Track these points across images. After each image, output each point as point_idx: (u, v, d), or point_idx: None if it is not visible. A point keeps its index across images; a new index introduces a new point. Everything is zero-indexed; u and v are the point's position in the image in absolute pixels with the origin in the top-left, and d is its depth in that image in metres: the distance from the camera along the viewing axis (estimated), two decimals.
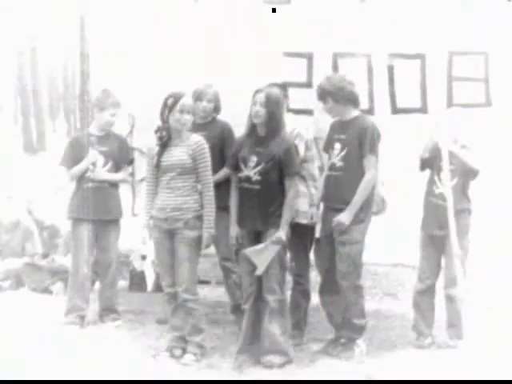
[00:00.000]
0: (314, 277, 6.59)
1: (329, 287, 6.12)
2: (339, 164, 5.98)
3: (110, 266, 6.97)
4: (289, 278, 6.30)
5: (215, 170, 6.10)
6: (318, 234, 6.26)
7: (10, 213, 9.08)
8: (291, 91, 6.61)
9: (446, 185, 5.86)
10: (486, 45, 6.65)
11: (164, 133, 5.80)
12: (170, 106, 5.74)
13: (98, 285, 7.27)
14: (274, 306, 5.78)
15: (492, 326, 6.31)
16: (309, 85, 6.91)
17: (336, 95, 5.98)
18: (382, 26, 6.71)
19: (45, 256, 8.77)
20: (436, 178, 6.22)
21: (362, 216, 5.94)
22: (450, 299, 6.14)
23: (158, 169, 5.83)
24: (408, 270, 7.26)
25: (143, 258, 8.13)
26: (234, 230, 5.91)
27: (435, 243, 6.24)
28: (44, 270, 8.35)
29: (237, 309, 6.58)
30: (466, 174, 6.15)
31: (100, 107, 6.85)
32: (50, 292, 8.10)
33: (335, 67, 6.91)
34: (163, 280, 6.00)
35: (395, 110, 6.94)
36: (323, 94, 6.04)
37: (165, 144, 5.82)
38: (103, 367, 5.68)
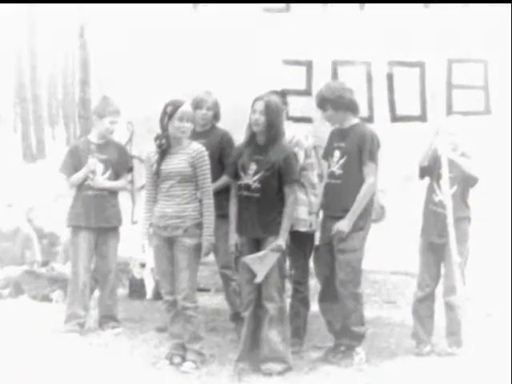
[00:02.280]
0: (314, 284, 6.59)
1: (328, 295, 6.11)
2: (338, 172, 5.98)
3: (109, 273, 6.97)
4: (288, 285, 6.30)
5: (215, 178, 6.11)
6: (317, 242, 6.26)
7: (9, 220, 9.07)
8: (290, 99, 6.61)
9: (446, 192, 5.86)
10: (485, 53, 6.66)
11: (163, 140, 5.80)
12: (169, 113, 5.74)
13: (97, 292, 7.26)
14: (274, 314, 5.77)
15: (491, 334, 6.31)
16: (308, 92, 6.92)
17: (335, 103, 5.98)
18: (381, 34, 6.72)
19: (44, 264, 8.75)
20: (435, 185, 6.22)
21: (362, 224, 5.94)
22: (449, 307, 6.14)
23: (157, 176, 5.83)
24: (407, 278, 7.27)
25: (143, 265, 8.13)
26: (234, 237, 5.90)
27: (435, 251, 6.24)
28: (43, 277, 8.34)
29: (236, 316, 6.57)
30: (465, 181, 6.16)
31: (100, 115, 6.86)
32: (50, 300, 8.09)
33: (334, 75, 6.92)
34: (163, 288, 5.99)
35: (395, 118, 6.94)
36: (322, 102, 6.05)
37: (164, 152, 5.81)
38: (103, 375, 5.67)
